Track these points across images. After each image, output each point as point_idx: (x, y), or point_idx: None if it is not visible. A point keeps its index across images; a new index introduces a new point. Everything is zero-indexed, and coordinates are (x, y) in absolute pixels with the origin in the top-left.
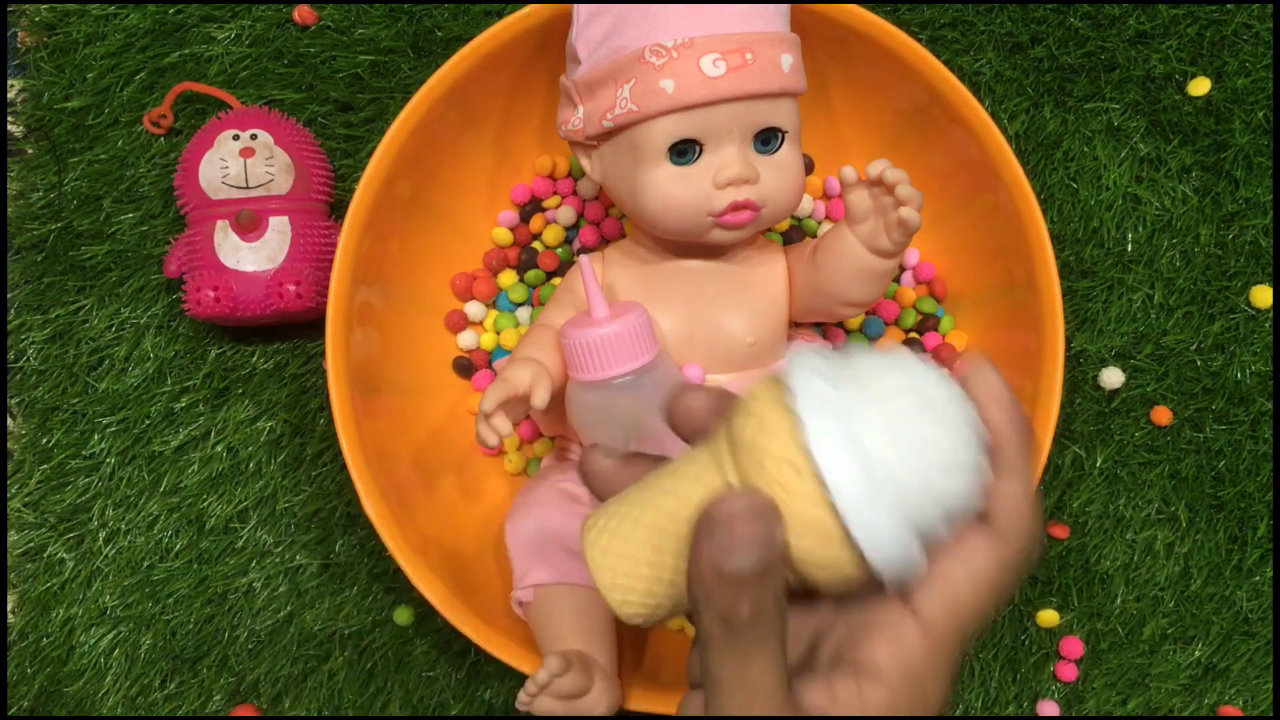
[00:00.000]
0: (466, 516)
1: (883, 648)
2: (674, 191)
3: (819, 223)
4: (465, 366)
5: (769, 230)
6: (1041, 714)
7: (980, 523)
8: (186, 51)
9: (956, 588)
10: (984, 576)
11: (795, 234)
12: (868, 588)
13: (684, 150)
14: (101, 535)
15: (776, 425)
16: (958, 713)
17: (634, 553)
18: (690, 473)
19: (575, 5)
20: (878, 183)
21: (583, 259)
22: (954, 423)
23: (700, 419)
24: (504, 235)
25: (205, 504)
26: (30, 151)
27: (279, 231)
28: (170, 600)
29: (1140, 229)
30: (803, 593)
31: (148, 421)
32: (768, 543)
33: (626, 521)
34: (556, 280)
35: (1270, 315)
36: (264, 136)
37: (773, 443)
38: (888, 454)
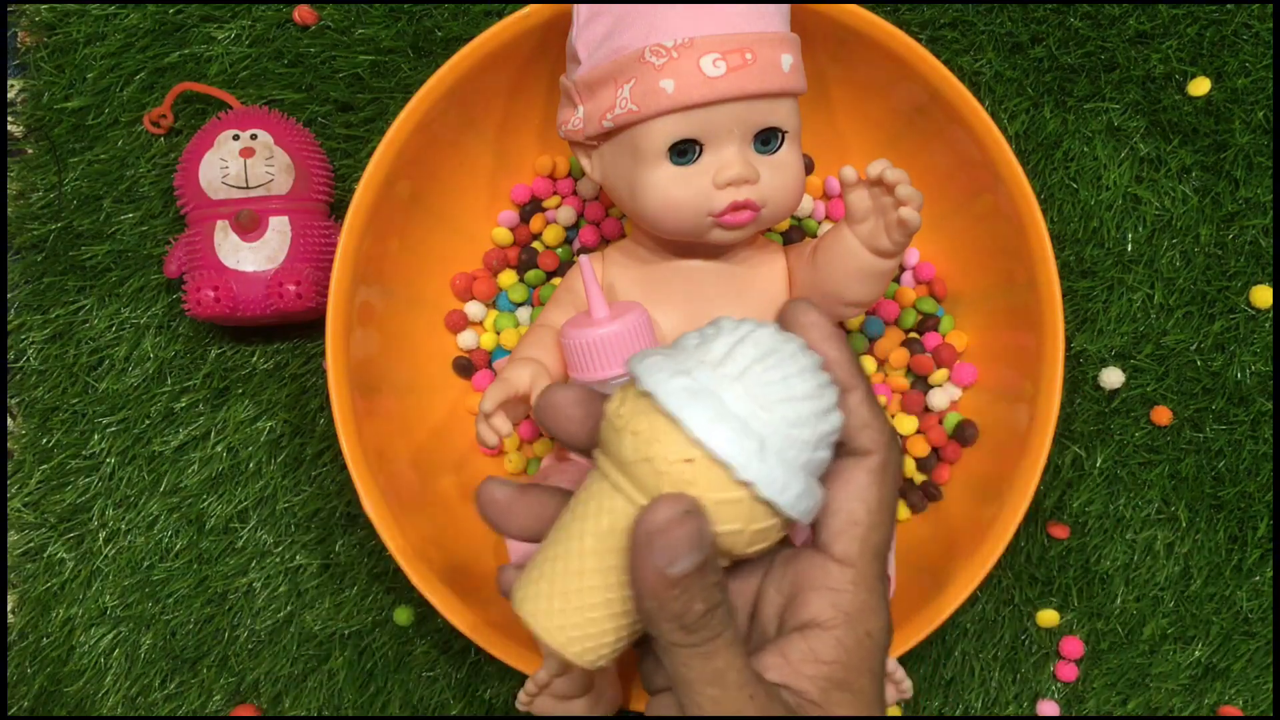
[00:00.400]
0: (466, 516)
1: (817, 600)
2: (674, 191)
3: (819, 223)
4: (465, 366)
5: (769, 230)
6: (1041, 714)
7: (845, 454)
8: (186, 51)
9: (855, 516)
10: (872, 495)
11: (795, 234)
12: (786, 542)
13: (684, 150)
14: (101, 535)
15: (655, 431)
16: (958, 713)
17: (578, 601)
18: (593, 507)
19: (575, 5)
20: (878, 183)
21: (583, 259)
22: (801, 365)
23: (568, 419)
24: (504, 235)
25: (205, 504)
26: (30, 151)
27: (279, 231)
28: (170, 600)
29: (1140, 229)
30: (729, 567)
31: (148, 421)
32: (701, 537)
33: (557, 575)
34: (556, 280)
35: (1270, 315)
36: (264, 136)
37: (660, 448)
38: (760, 414)
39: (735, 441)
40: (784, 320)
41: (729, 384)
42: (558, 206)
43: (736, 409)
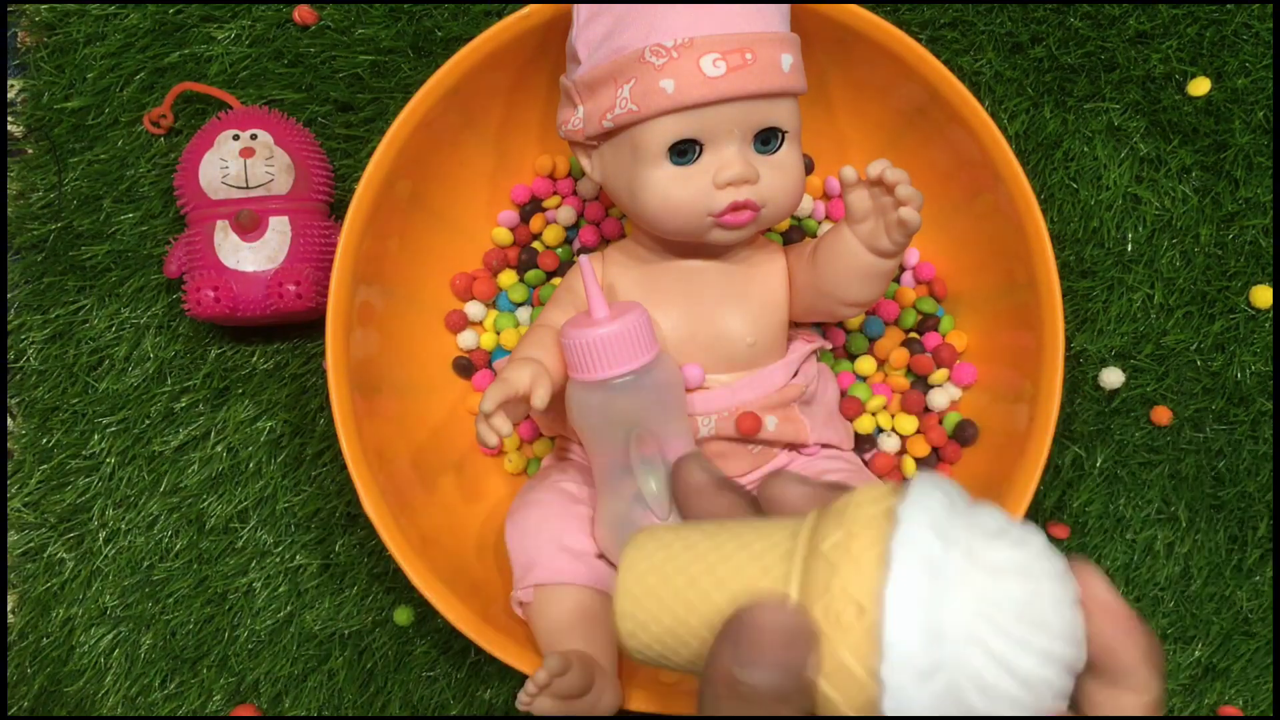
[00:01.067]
0: (466, 516)
1: None
2: (674, 191)
3: (819, 223)
4: (465, 366)
5: (769, 230)
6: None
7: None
8: (186, 51)
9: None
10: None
11: (795, 234)
12: None
13: (684, 150)
14: (101, 535)
15: (862, 555)
16: None
17: (664, 599)
18: (758, 549)
19: (575, 5)
20: (878, 183)
21: (583, 259)
22: (1053, 626)
23: (792, 507)
24: (504, 235)
25: (205, 504)
26: (30, 151)
27: (279, 231)
28: (170, 600)
29: (1140, 229)
30: None
31: (148, 421)
32: (792, 670)
33: (674, 565)
34: (556, 280)
35: (1270, 315)
36: (264, 136)
37: (850, 573)
38: (963, 638)
39: (914, 640)
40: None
41: (966, 575)
42: (558, 206)
43: (949, 607)
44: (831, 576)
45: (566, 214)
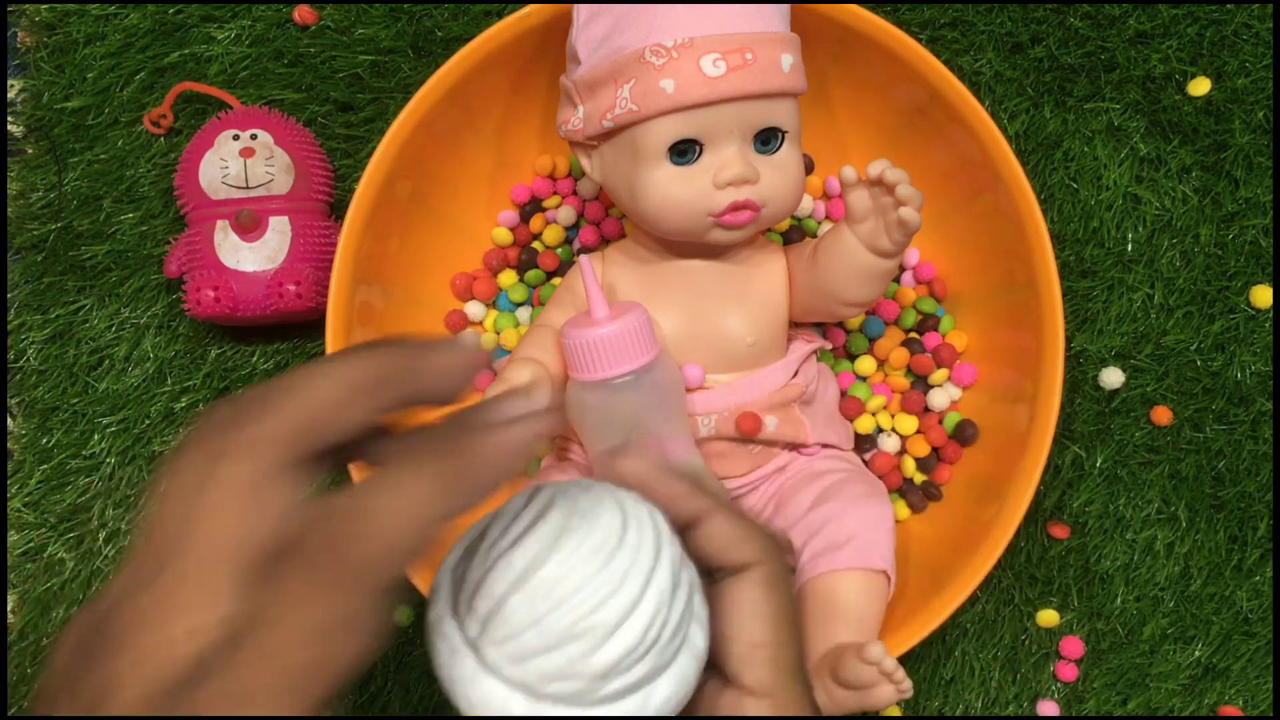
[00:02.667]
0: (466, 516)
1: None
2: (674, 191)
3: (819, 223)
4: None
5: (769, 230)
6: (1041, 714)
7: (725, 576)
8: (186, 51)
9: (755, 637)
10: (768, 609)
11: (795, 234)
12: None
13: (684, 150)
14: (101, 535)
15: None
16: (958, 713)
17: None
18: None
19: (575, 5)
20: (878, 183)
21: (583, 259)
22: (567, 601)
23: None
24: (504, 235)
25: None
26: (30, 151)
27: (279, 231)
28: None
29: (1140, 229)
30: None
31: (148, 421)
32: None
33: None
34: (556, 280)
35: (1270, 315)
36: (264, 136)
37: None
38: (516, 668)
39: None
40: (615, 475)
41: (490, 645)
42: (558, 207)
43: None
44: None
45: (566, 214)
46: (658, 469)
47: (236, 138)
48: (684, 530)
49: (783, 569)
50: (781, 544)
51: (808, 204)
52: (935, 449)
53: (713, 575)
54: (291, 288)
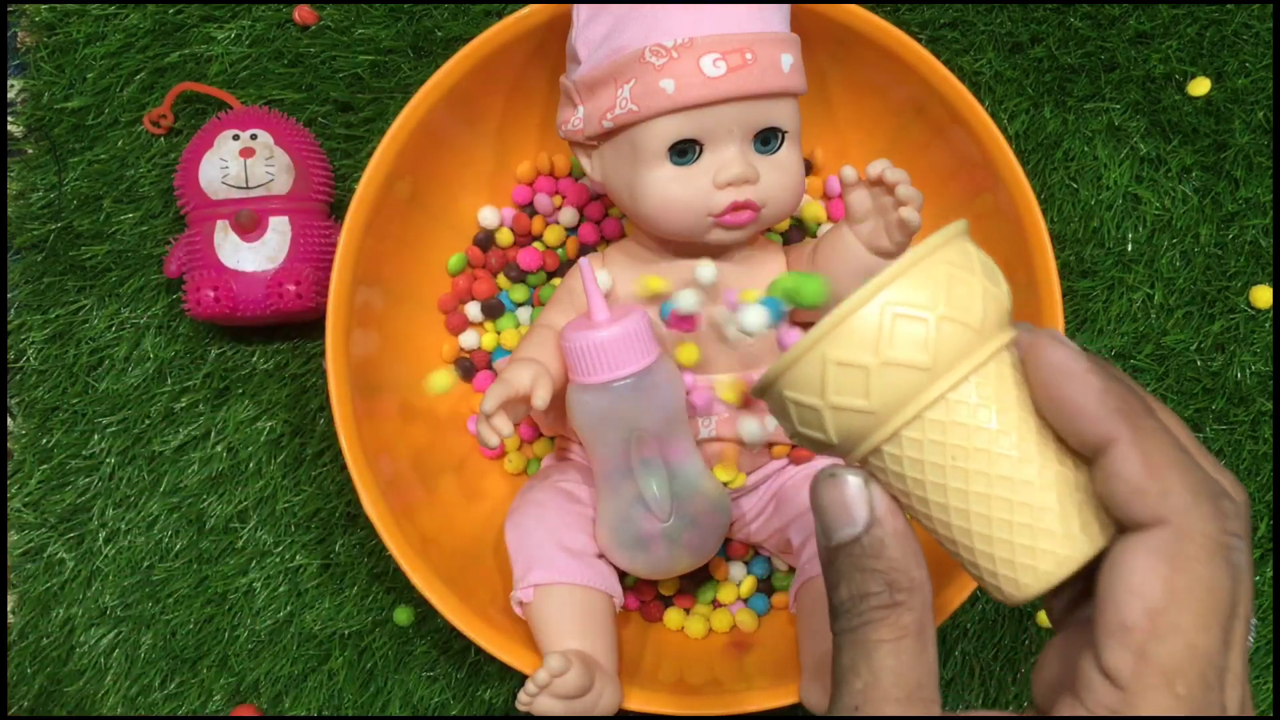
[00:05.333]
0: (466, 516)
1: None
2: (674, 191)
3: (817, 225)
4: (466, 367)
5: (769, 230)
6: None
7: (1122, 530)
8: (186, 51)
9: (1127, 618)
10: (1154, 588)
11: (795, 234)
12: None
13: (684, 150)
14: (101, 535)
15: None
16: (958, 711)
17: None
18: None
19: (575, 5)
20: (878, 183)
21: (583, 261)
22: None
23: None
24: (505, 235)
25: (205, 504)
26: (30, 151)
27: (279, 231)
28: (170, 600)
29: (1140, 229)
30: None
31: (148, 421)
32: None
33: None
34: (556, 280)
35: (1270, 315)
36: (264, 136)
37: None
38: None
39: None
40: (1028, 357)
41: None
42: (559, 208)
43: None
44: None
45: (567, 214)
46: (1081, 364)
47: (236, 138)
48: (1091, 459)
49: (1204, 539)
50: (1224, 505)
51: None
52: None
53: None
54: (291, 288)
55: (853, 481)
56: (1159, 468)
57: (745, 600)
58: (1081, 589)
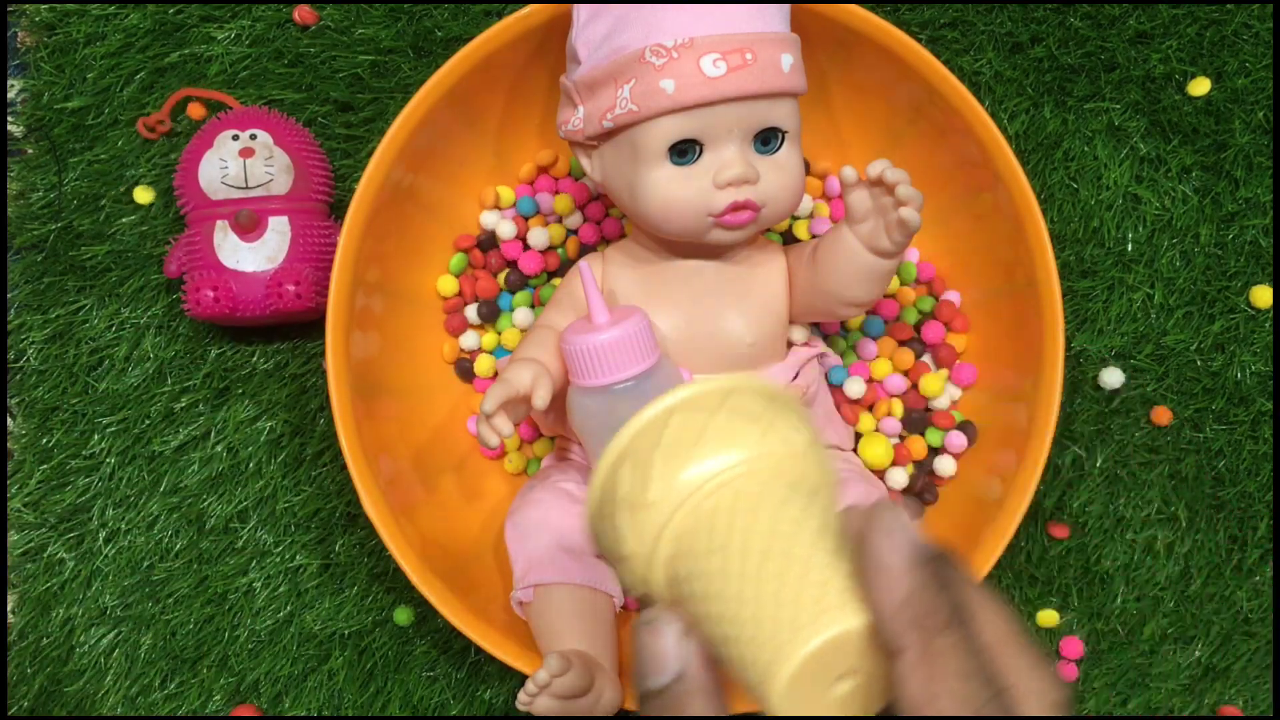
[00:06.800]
0: (466, 516)
1: None
2: (674, 192)
3: (811, 218)
4: (466, 368)
5: (769, 230)
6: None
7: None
8: (186, 51)
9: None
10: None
11: (795, 235)
12: None
13: (684, 150)
14: (101, 535)
15: None
16: None
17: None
18: None
19: (575, 5)
20: (878, 183)
21: (583, 264)
22: None
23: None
24: (507, 232)
25: (205, 504)
26: (30, 151)
27: (279, 231)
28: (170, 600)
29: (1140, 229)
30: None
31: (148, 421)
32: None
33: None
34: (556, 281)
35: (1270, 315)
36: (264, 136)
37: None
38: None
39: None
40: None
41: None
42: (562, 218)
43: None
44: None
45: (565, 211)
46: (899, 558)
47: (236, 138)
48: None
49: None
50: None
51: (807, 204)
52: (934, 449)
53: None
54: (291, 288)
55: (669, 631)
56: (937, 695)
57: None
58: None
